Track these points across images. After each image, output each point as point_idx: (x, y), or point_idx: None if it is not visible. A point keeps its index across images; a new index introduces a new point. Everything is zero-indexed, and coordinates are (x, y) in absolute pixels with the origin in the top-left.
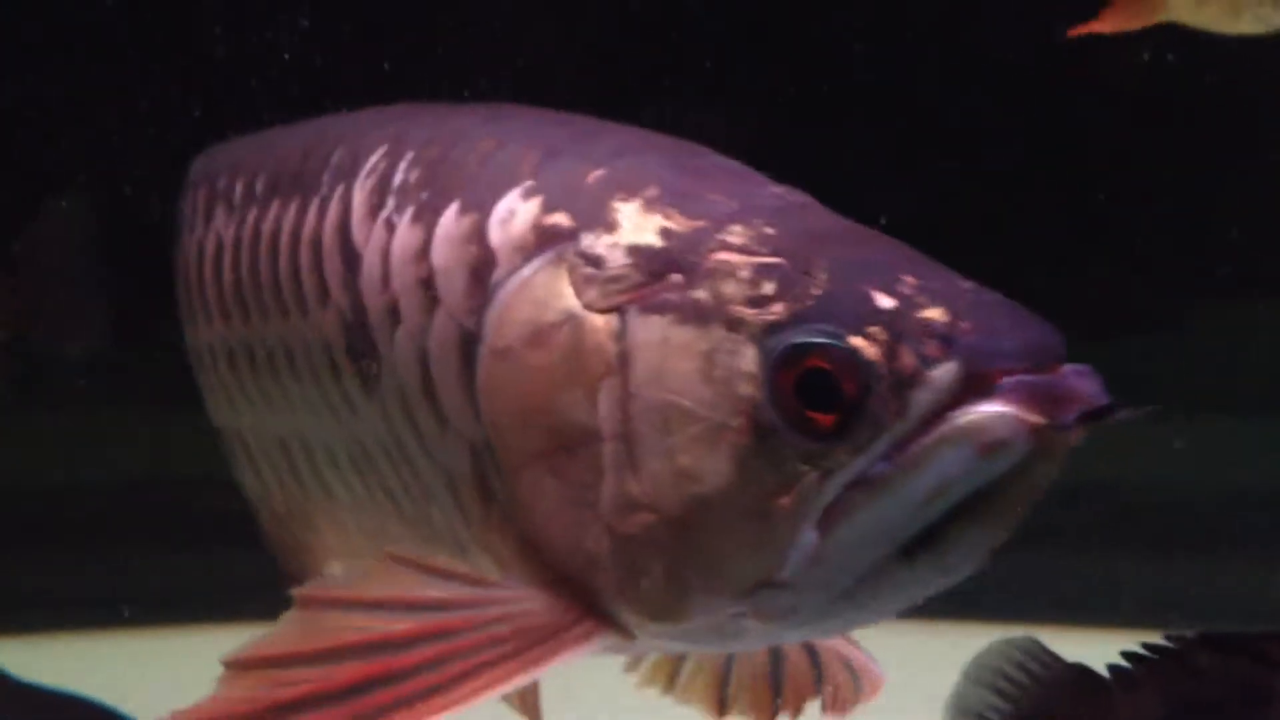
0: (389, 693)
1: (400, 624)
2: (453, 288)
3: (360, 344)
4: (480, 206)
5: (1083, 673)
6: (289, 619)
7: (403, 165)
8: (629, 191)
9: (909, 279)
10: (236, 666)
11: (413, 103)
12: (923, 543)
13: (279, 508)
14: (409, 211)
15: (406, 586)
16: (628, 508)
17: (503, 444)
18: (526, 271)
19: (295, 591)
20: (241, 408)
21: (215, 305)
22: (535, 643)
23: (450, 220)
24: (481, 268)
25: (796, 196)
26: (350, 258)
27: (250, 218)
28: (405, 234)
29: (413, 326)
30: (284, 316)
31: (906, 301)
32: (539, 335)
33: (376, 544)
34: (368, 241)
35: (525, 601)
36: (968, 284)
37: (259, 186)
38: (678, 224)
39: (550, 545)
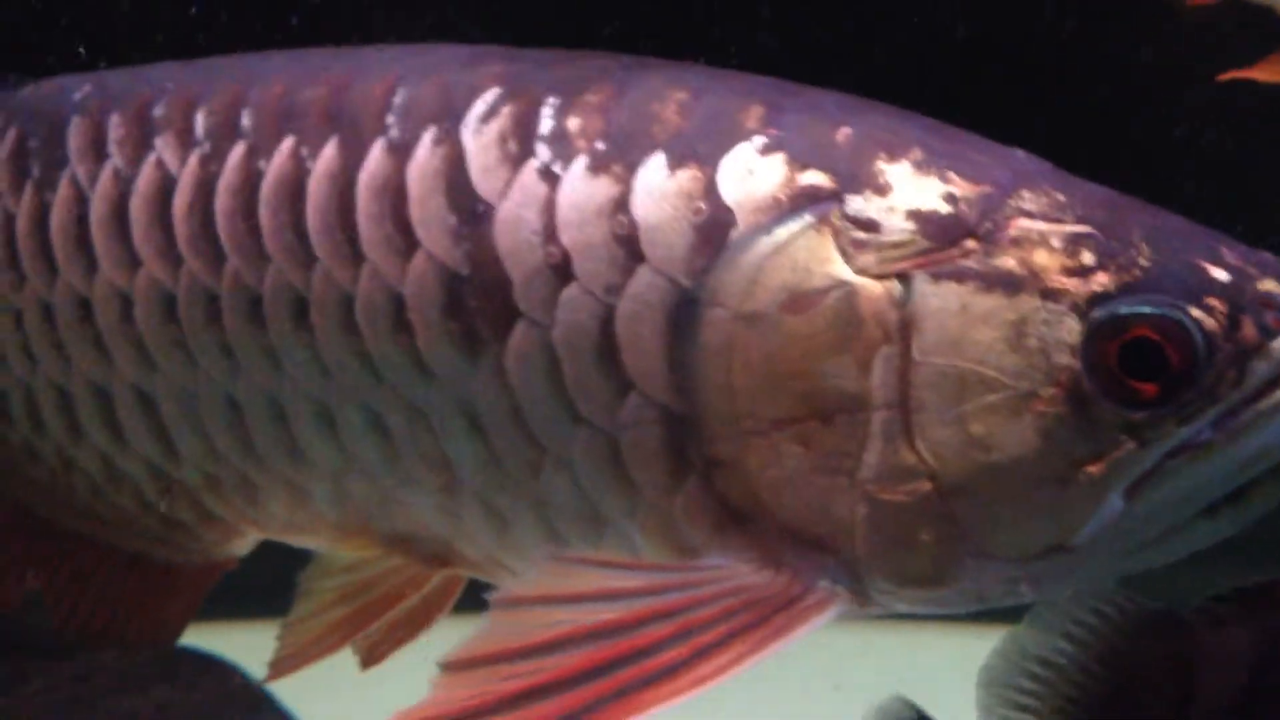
0: (631, 671)
1: (616, 613)
2: (667, 245)
3: (475, 301)
4: (699, 160)
5: (1163, 613)
6: (494, 619)
7: (548, 111)
8: (891, 152)
9: (1227, 250)
10: (454, 668)
11: (402, 44)
12: (1228, 498)
13: (196, 476)
14: (580, 162)
15: (602, 580)
16: (898, 475)
17: (729, 411)
18: (780, 233)
19: (493, 595)
20: (165, 363)
21: (153, 248)
22: (773, 613)
23: (658, 173)
24: (712, 226)
25: (1035, 159)
26: (467, 208)
27: (235, 154)
28: (583, 186)
29: (596, 285)
30: (299, 266)
31: (1239, 274)
32: (799, 301)
33: (381, 513)
34: (504, 191)
35: (742, 576)
36: (1267, 254)
37: (215, 121)
38: (961, 189)
39: (781, 514)
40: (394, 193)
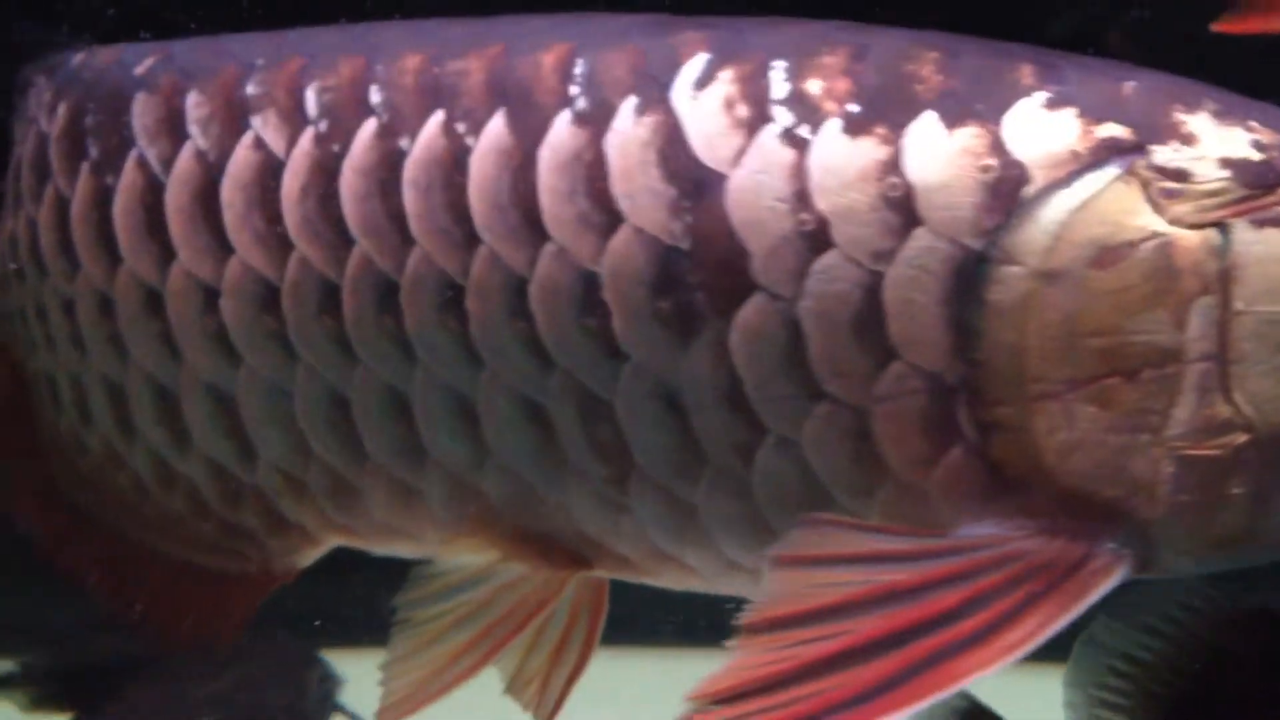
0: (937, 638)
1: (907, 575)
2: (950, 206)
3: (697, 276)
4: (979, 117)
5: (1256, 609)
6: (776, 580)
7: (778, 75)
8: (1187, 103)
9: None
10: (753, 630)
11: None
12: None
13: (274, 479)
14: (833, 124)
15: (875, 543)
16: (1212, 429)
17: (1018, 373)
18: (1082, 188)
19: (775, 552)
20: (253, 358)
21: (250, 234)
22: (1062, 579)
23: (933, 133)
24: (1002, 184)
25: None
26: (688, 178)
27: (364, 132)
28: (840, 149)
29: (860, 252)
30: (454, 249)
31: None
32: (1109, 255)
33: (513, 511)
34: (737, 159)
35: (1017, 542)
36: None
37: (334, 98)
38: (1266, 137)
39: (1067, 478)
40: (588, 166)
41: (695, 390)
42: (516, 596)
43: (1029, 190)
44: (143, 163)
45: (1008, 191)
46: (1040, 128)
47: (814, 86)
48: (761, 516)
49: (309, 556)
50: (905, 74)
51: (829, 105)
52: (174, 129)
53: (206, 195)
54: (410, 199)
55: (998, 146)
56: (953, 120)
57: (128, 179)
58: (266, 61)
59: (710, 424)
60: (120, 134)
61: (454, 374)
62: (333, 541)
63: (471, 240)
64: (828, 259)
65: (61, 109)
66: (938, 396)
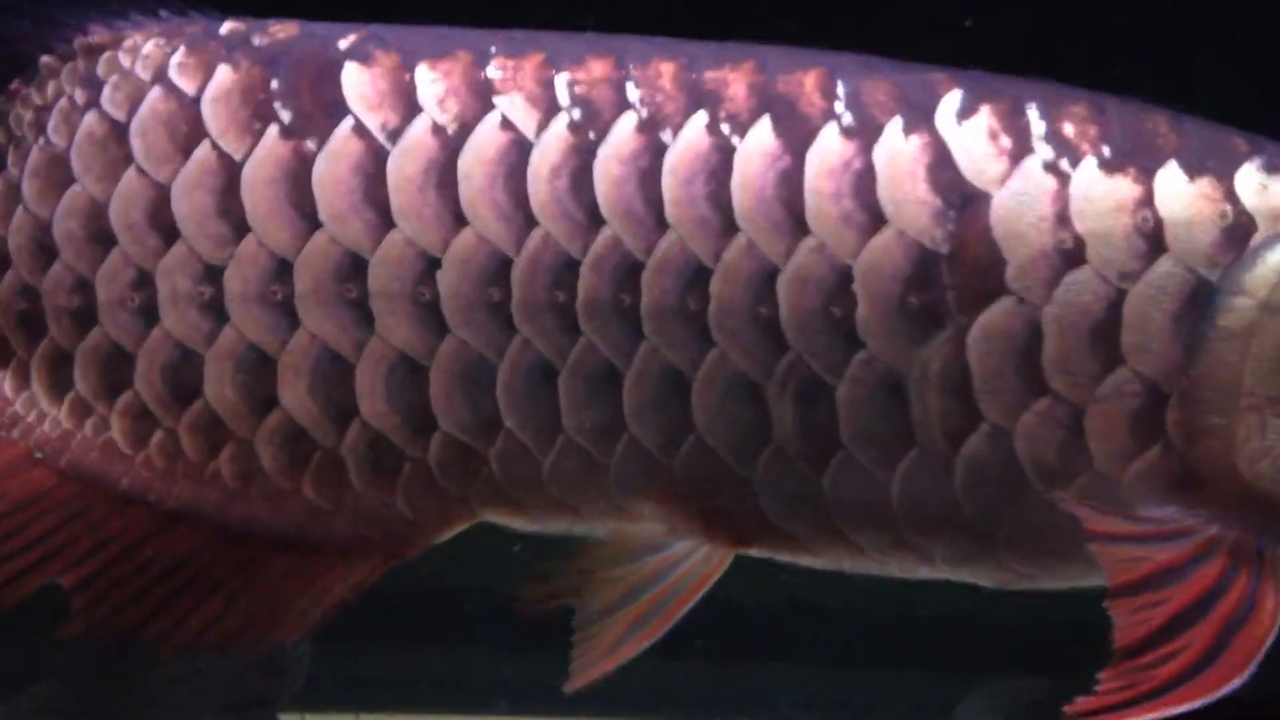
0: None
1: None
2: (1191, 240)
3: (952, 277)
4: (1214, 173)
5: None
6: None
7: (1035, 115)
8: None
9: None
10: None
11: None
12: None
13: (446, 451)
14: (1090, 161)
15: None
16: None
17: (1231, 387)
18: None
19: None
20: (462, 328)
21: (491, 209)
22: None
23: (1178, 179)
24: (1235, 229)
25: None
26: (953, 192)
27: (624, 124)
28: (1099, 183)
29: (1109, 270)
30: (710, 236)
31: None
32: None
33: (699, 489)
34: (1002, 181)
35: (1200, 527)
36: None
37: (588, 91)
38: None
39: (1252, 480)
40: (856, 174)
41: (922, 379)
42: (682, 570)
43: (1257, 237)
44: (361, 131)
45: (1240, 236)
46: (1264, 187)
47: (1069, 129)
48: (954, 498)
49: (451, 533)
50: (1146, 129)
51: (1084, 145)
52: (401, 102)
53: (440, 167)
54: (670, 187)
55: (1231, 197)
56: (1193, 171)
57: (337, 145)
58: (501, 51)
59: (929, 411)
60: (324, 100)
61: (678, 353)
62: (487, 517)
63: (729, 229)
64: (1079, 273)
65: (232, 72)
66: (1151, 401)
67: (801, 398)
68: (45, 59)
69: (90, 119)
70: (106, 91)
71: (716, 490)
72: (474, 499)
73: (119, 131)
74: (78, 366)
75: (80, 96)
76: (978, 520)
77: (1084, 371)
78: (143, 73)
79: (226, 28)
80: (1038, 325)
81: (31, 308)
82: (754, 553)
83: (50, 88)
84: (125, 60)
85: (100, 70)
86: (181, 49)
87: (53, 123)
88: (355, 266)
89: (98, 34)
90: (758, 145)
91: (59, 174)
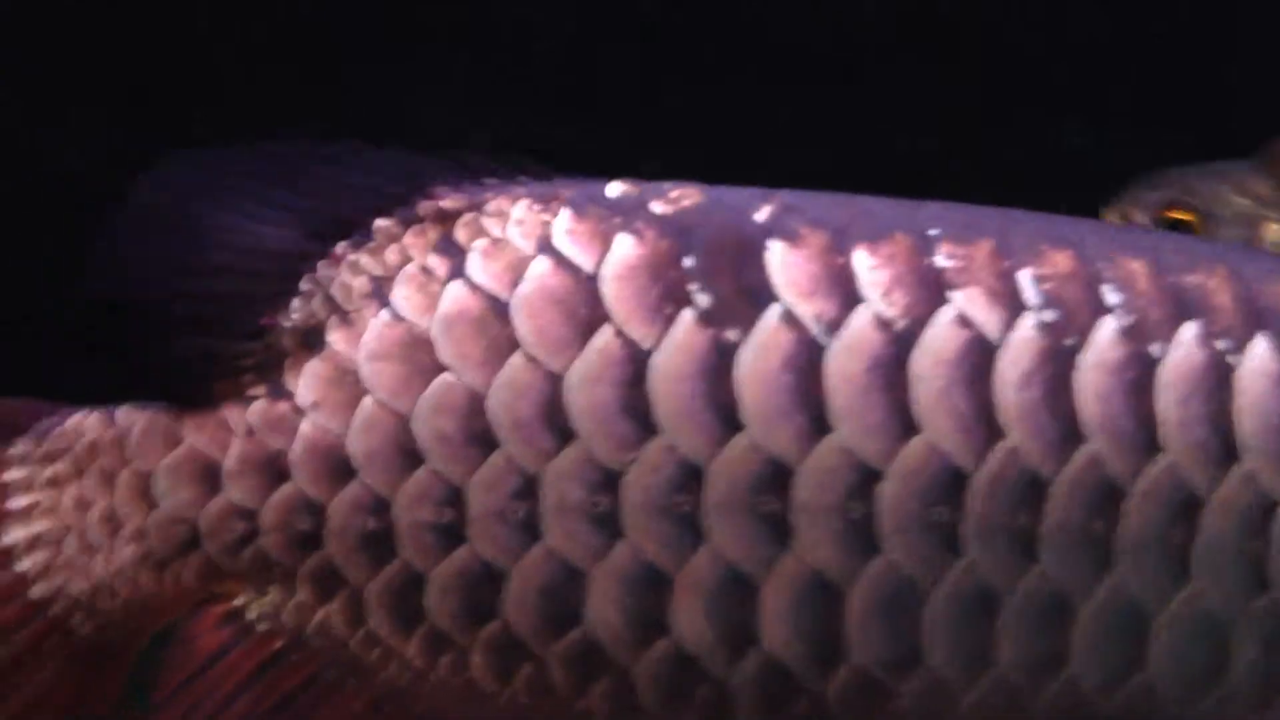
0: None
1: None
2: None
3: None
4: None
5: None
6: None
7: None
8: None
9: None
10: None
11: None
12: None
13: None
14: None
15: None
16: None
17: None
18: None
19: None
20: (895, 548)
21: (947, 415)
22: None
23: None
24: None
25: None
26: None
27: (1105, 329)
28: None
29: None
30: (1206, 464)
31: None
32: None
33: None
34: None
35: None
36: None
37: (1059, 289)
38: None
39: None
40: None
41: None
42: None
43: None
44: (791, 320)
45: None
46: None
47: None
48: None
49: None
50: None
51: None
52: (838, 289)
53: (885, 366)
54: (1163, 406)
55: None
56: None
57: (765, 336)
58: (945, 233)
59: None
60: (744, 283)
61: (1143, 586)
62: None
63: (1227, 455)
64: None
65: (636, 242)
66: None
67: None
68: (381, 222)
69: (459, 292)
70: (475, 261)
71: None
72: None
73: (499, 309)
74: (433, 593)
75: (439, 266)
76: None
77: None
78: (521, 241)
79: (615, 191)
80: None
81: (381, 526)
82: None
83: (392, 253)
84: (493, 226)
85: (460, 237)
86: (566, 214)
87: (401, 294)
88: (776, 476)
89: (447, 197)
90: (1259, 366)
91: (421, 358)
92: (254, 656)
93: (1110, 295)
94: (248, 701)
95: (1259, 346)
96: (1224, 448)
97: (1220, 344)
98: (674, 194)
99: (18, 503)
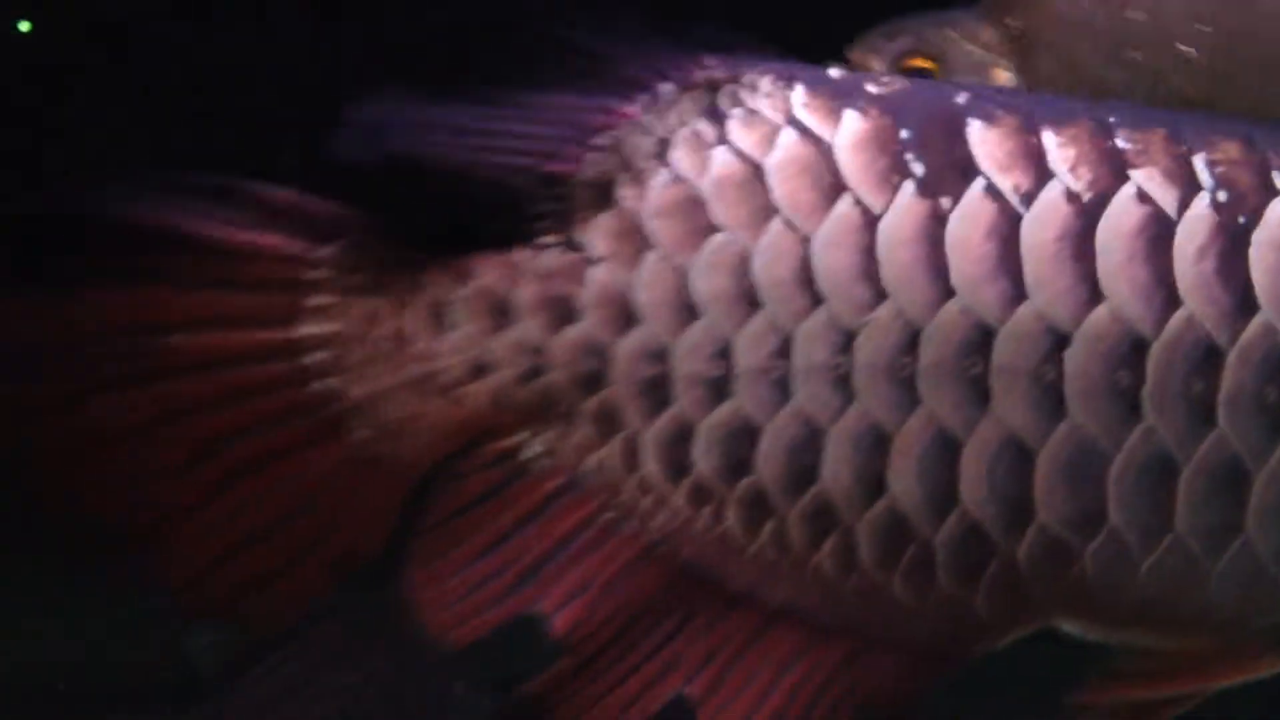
0: None
1: None
2: None
3: None
4: None
5: None
6: None
7: None
8: None
9: None
10: None
11: None
12: None
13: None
14: None
15: None
16: None
17: None
18: None
19: None
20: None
21: (1134, 287)
22: None
23: None
24: None
25: None
26: None
27: (1274, 211)
28: None
29: None
30: None
31: None
32: None
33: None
34: None
35: None
36: None
37: (1229, 171)
38: None
39: None
40: None
41: None
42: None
43: None
44: (994, 192)
45: None
46: None
47: None
48: None
49: (1011, 639)
50: None
51: None
52: (1031, 164)
53: (1074, 236)
54: None
55: None
56: None
57: (975, 207)
58: (1122, 121)
59: None
60: (953, 157)
61: None
62: (1059, 622)
63: None
64: None
65: (861, 119)
66: None
67: None
68: (665, 86)
69: (724, 156)
70: (734, 127)
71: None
72: (1054, 601)
73: (758, 174)
74: (700, 444)
75: (708, 130)
76: None
77: None
78: (771, 112)
79: (836, 73)
80: None
81: (660, 373)
82: None
83: (672, 116)
84: (747, 96)
85: (723, 104)
86: (801, 89)
87: (678, 154)
88: (981, 340)
89: (715, 67)
90: None
91: (699, 218)
92: (531, 495)
93: (1278, 179)
94: (522, 541)
95: None
96: None
97: None
98: (884, 79)
99: (314, 301)
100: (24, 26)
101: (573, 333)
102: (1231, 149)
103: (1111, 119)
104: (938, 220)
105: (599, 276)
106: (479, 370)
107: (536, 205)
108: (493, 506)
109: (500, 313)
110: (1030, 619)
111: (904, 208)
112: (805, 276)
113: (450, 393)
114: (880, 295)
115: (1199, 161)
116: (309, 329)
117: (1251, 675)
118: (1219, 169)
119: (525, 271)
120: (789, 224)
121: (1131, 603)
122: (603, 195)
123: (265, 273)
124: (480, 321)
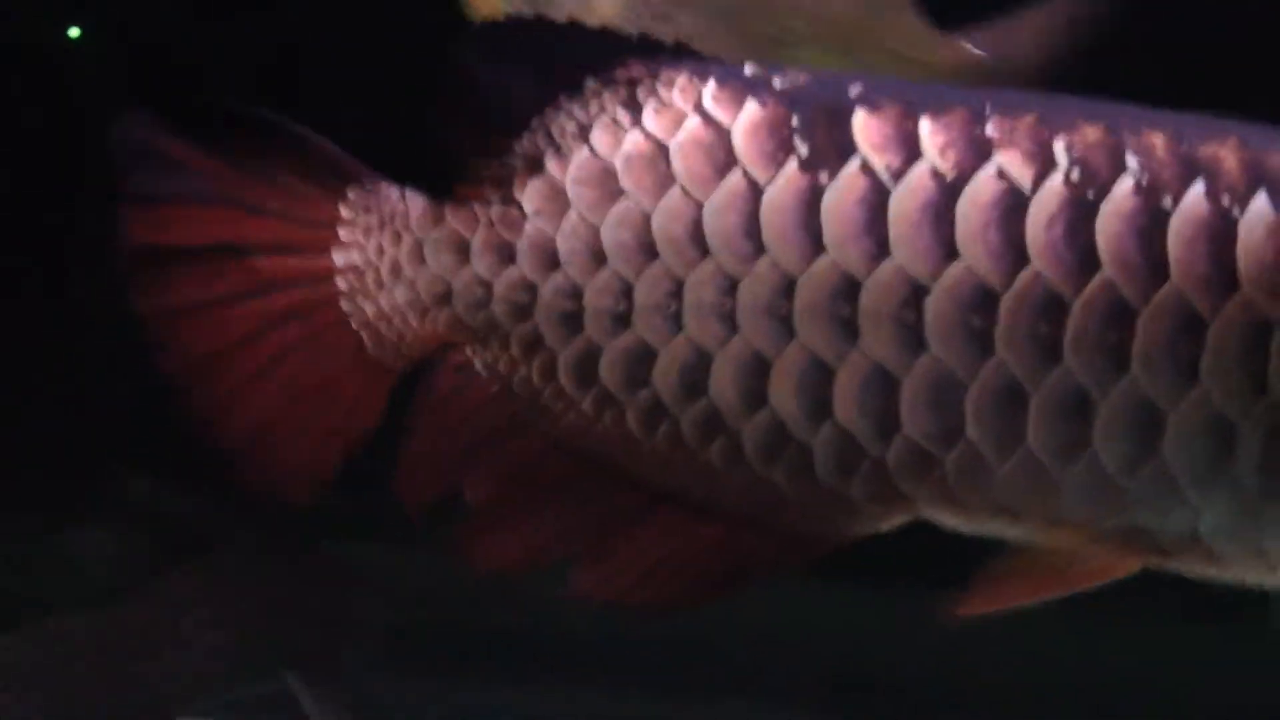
0: None
1: None
2: None
3: None
4: None
5: None
6: None
7: None
8: None
9: None
10: None
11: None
12: None
13: (906, 457)
14: None
15: None
16: None
17: None
18: None
19: None
20: (950, 352)
21: (989, 250)
22: None
23: None
24: None
25: None
26: None
27: (1123, 187)
28: None
29: None
30: (1208, 293)
31: None
32: None
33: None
34: None
35: None
36: None
37: (1085, 153)
38: None
39: None
40: None
41: None
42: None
43: None
44: (868, 170)
45: None
46: None
47: None
48: None
49: (889, 525)
50: None
51: None
52: (905, 147)
53: (935, 206)
54: (1174, 247)
55: None
56: None
57: (849, 181)
58: (997, 109)
59: None
60: (835, 140)
61: (1155, 389)
62: (926, 514)
63: (1229, 290)
64: None
65: (759, 109)
66: None
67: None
68: (591, 82)
69: (635, 137)
70: (648, 115)
71: (1163, 512)
72: (921, 497)
73: (663, 152)
74: (605, 363)
75: (624, 117)
76: None
77: None
78: (682, 102)
79: (749, 70)
80: None
81: (575, 309)
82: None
83: (593, 106)
84: (663, 90)
85: (640, 96)
86: (713, 84)
87: (597, 135)
88: (850, 288)
89: (637, 68)
90: (1258, 216)
91: (610, 185)
92: (477, 395)
93: (1130, 160)
94: (471, 429)
95: (1258, 202)
96: (1226, 283)
97: (1224, 199)
98: (790, 74)
99: (344, 235)
100: (73, 33)
101: (512, 272)
102: (1091, 133)
103: (988, 107)
104: (815, 192)
105: (530, 229)
106: (444, 298)
107: (490, 169)
108: (455, 401)
109: (461, 252)
110: (903, 509)
111: (786, 180)
112: (697, 234)
113: (425, 315)
114: (760, 249)
115: (1059, 144)
116: (339, 258)
117: (1112, 577)
118: (1075, 151)
119: (480, 220)
120: (685, 191)
121: (991, 502)
122: (536, 165)
123: (313, 208)
124: (449, 257)
